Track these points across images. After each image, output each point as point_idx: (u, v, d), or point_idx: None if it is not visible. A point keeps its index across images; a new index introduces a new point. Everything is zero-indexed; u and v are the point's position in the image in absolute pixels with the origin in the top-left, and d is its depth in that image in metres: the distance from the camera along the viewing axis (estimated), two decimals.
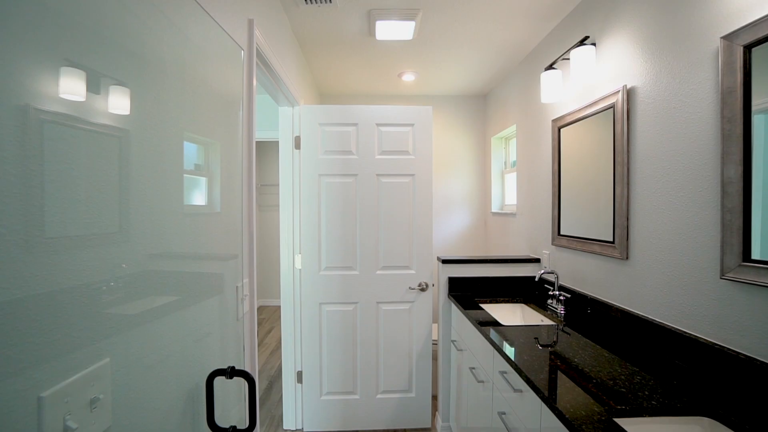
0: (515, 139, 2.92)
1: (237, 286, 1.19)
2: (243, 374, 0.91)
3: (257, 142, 5.38)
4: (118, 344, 0.64)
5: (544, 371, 1.16)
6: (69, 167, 0.55)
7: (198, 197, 0.97)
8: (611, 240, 1.60)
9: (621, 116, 1.52)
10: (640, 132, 1.43)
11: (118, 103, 0.66)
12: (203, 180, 1.01)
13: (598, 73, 1.69)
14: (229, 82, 1.15)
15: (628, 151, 1.50)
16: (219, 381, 1.01)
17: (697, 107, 1.17)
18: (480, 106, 3.43)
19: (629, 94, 1.50)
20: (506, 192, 3.17)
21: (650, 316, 1.37)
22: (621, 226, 1.53)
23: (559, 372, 1.15)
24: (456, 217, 3.41)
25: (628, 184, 1.51)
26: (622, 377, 1.11)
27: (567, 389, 1.04)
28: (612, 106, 1.58)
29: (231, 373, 0.91)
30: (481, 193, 3.43)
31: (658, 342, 1.30)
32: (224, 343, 1.08)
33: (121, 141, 0.67)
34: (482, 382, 1.62)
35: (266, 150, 5.47)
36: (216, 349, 1.03)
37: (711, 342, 1.11)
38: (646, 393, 1.01)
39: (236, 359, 1.15)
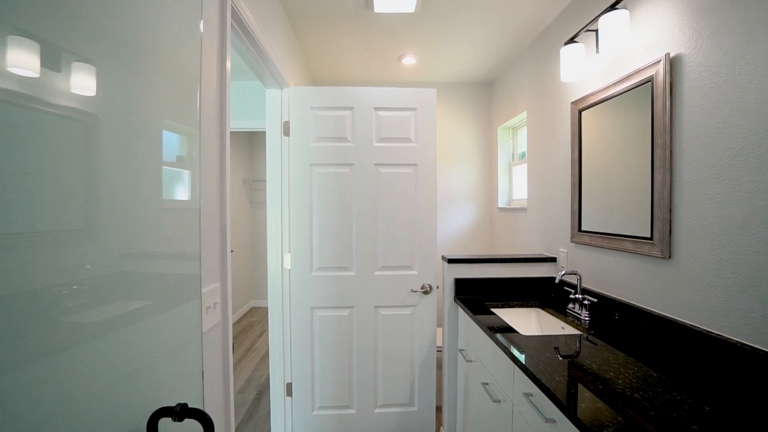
0: (525, 128, 2.69)
1: (201, 293, 0.96)
2: (197, 415, 0.68)
3: (248, 133, 5.13)
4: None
5: (585, 398, 0.93)
6: (21, 153, 0.48)
7: (144, 186, 0.74)
8: (649, 236, 1.37)
9: (662, 90, 1.29)
10: (688, 107, 1.21)
11: (81, 82, 0.57)
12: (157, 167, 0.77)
13: (631, 42, 1.46)
14: (182, 38, 0.91)
15: (671, 131, 1.27)
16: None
17: None
18: (485, 93, 3.20)
19: (673, 63, 1.27)
20: (514, 186, 2.95)
21: (704, 327, 1.14)
22: (662, 219, 1.30)
23: (603, 400, 0.93)
24: (458, 213, 3.18)
25: (671, 169, 1.28)
26: (686, 407, 0.88)
27: (622, 428, 0.81)
28: (650, 80, 1.35)
29: (180, 412, 0.68)
30: (486, 187, 3.20)
31: (716, 358, 1.08)
32: (178, 367, 0.84)
33: (87, 126, 0.59)
34: (499, 401, 1.39)
35: (259, 142, 5.21)
36: (167, 376, 0.79)
37: None
38: None
39: (194, 390, 0.91)
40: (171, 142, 0.87)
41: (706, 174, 1.14)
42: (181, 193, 0.89)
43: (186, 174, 0.91)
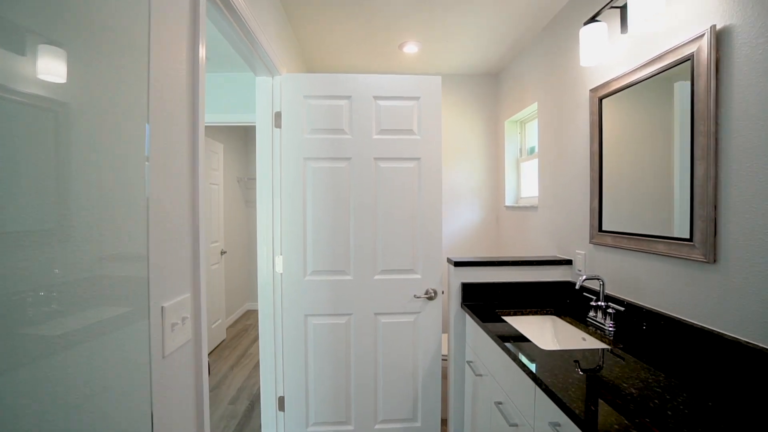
0: (535, 121, 2.53)
1: (163, 307, 0.78)
2: None
3: (243, 128, 4.95)
4: None
5: None
6: None
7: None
8: (688, 237, 1.20)
9: (706, 69, 1.12)
10: (739, 88, 1.04)
11: (50, 67, 0.51)
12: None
13: (666, 17, 1.29)
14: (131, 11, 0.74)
15: (716, 117, 1.10)
16: None
17: None
18: (491, 86, 3.03)
19: (719, 36, 1.10)
20: (522, 183, 2.78)
21: (761, 344, 0.97)
22: (705, 218, 1.13)
23: None
24: (462, 212, 3.01)
25: (716, 161, 1.11)
26: None
27: None
28: (689, 58, 1.18)
29: None
30: (492, 184, 3.03)
31: None
32: (129, 402, 0.67)
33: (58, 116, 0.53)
34: (516, 426, 1.22)
35: (255, 138, 5.03)
36: (120, 414, 0.62)
37: None
38: None
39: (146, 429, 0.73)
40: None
41: (762, 165, 0.97)
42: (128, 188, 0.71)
43: (142, 168, 0.74)
